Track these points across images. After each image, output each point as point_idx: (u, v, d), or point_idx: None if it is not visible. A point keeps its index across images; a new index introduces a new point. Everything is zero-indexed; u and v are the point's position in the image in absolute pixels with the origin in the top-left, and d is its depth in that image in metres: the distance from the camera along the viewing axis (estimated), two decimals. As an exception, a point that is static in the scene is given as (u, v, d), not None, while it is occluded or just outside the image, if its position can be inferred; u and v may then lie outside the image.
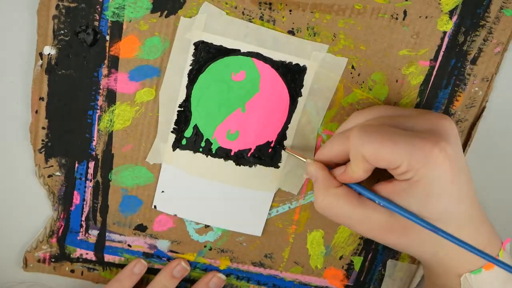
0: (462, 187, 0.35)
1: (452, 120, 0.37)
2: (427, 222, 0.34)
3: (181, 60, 0.40)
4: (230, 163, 0.44)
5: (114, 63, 0.40)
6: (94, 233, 0.47)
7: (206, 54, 0.40)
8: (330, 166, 0.39)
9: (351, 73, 0.41)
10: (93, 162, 0.44)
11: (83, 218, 0.46)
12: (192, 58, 0.40)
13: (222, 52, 0.40)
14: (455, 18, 0.39)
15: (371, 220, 0.36)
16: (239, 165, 0.44)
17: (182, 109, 0.42)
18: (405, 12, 0.39)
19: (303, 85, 0.41)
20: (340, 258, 0.49)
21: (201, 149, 0.43)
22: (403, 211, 0.35)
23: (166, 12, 0.39)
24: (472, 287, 0.37)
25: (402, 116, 0.37)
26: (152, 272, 0.49)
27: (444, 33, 0.40)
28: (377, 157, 0.34)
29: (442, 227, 0.35)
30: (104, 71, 0.40)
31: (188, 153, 0.43)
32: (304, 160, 0.40)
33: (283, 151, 0.43)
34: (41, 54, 0.39)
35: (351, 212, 0.36)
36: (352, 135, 0.35)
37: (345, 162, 0.37)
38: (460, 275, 0.37)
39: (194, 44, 0.40)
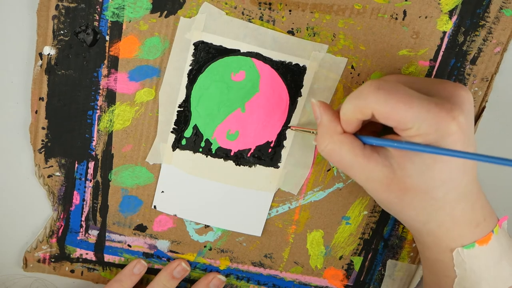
0: (467, 161, 0.34)
1: (468, 90, 0.35)
2: (440, 148, 0.33)
3: (181, 60, 0.40)
4: (230, 163, 0.44)
5: (114, 63, 0.40)
6: (94, 233, 0.47)
7: (206, 54, 0.40)
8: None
9: (351, 73, 0.41)
10: (93, 162, 0.44)
11: (83, 218, 0.46)
12: (192, 58, 0.40)
13: (222, 52, 0.40)
14: (454, 18, 0.39)
15: (372, 173, 0.35)
16: (239, 165, 0.44)
17: (182, 109, 0.42)
18: (404, 12, 0.39)
19: (302, 85, 0.41)
20: (340, 258, 0.49)
21: (201, 149, 0.43)
22: (421, 146, 0.33)
23: (165, 12, 0.39)
24: (464, 262, 0.37)
25: (418, 81, 0.36)
26: (152, 272, 0.49)
27: (444, 33, 0.40)
28: (388, 116, 0.32)
29: (441, 196, 0.34)
30: (104, 71, 0.40)
31: (188, 153, 0.43)
32: (312, 131, 0.39)
33: (288, 130, 0.42)
34: (41, 54, 0.39)
35: (353, 162, 0.35)
36: (366, 88, 0.33)
37: (361, 122, 0.36)
38: (452, 249, 0.37)
39: (194, 44, 0.40)
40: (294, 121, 0.42)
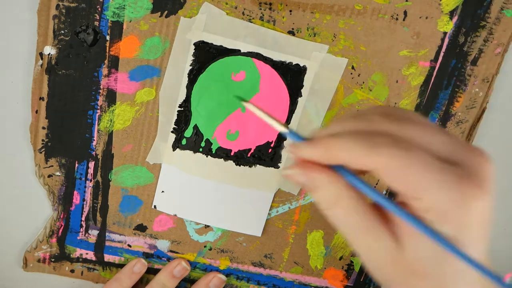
0: (484, 245, 0.28)
1: (493, 163, 0.28)
2: (457, 250, 0.26)
3: (181, 60, 0.40)
4: (230, 163, 0.44)
5: (114, 63, 0.40)
6: (94, 233, 0.47)
7: (206, 54, 0.40)
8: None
9: (351, 73, 0.41)
10: (93, 162, 0.44)
11: (83, 218, 0.46)
12: (192, 58, 0.40)
13: (222, 52, 0.40)
14: (455, 18, 0.39)
15: (375, 244, 0.28)
16: (239, 165, 0.44)
17: (182, 109, 0.42)
18: (405, 13, 0.39)
19: (303, 86, 0.41)
20: (340, 258, 0.48)
21: (201, 149, 0.43)
22: (445, 243, 0.26)
23: (166, 12, 0.39)
24: None
25: (441, 136, 0.28)
26: (152, 272, 0.49)
27: (445, 33, 0.39)
28: (400, 176, 0.26)
29: (452, 283, 0.28)
30: (104, 71, 0.40)
31: (188, 153, 0.43)
32: (283, 129, 0.31)
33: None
34: (41, 54, 0.39)
35: (359, 226, 0.28)
36: (380, 137, 0.26)
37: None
38: None
39: (194, 44, 0.40)
40: (294, 121, 0.42)
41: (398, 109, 0.30)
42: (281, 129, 0.30)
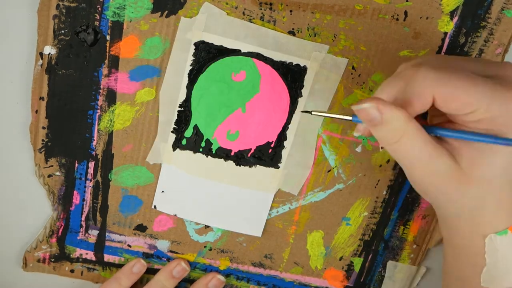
0: None
1: None
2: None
3: (181, 60, 0.40)
4: (230, 163, 0.44)
5: (115, 63, 0.40)
6: (94, 233, 0.47)
7: (207, 54, 0.40)
8: None
9: (352, 73, 0.41)
10: (93, 162, 0.44)
11: (83, 218, 0.46)
12: (193, 58, 0.40)
13: (223, 52, 0.40)
14: (456, 19, 0.39)
15: (435, 167, 0.32)
16: (239, 166, 0.44)
17: (183, 109, 0.42)
18: (405, 13, 0.39)
19: (303, 86, 0.41)
20: (340, 259, 0.48)
21: (201, 149, 0.43)
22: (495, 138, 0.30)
23: (166, 12, 0.39)
24: (497, 250, 0.34)
25: (472, 62, 0.32)
26: (152, 272, 0.49)
27: (445, 34, 0.39)
28: (452, 98, 0.29)
29: (499, 183, 0.32)
30: (105, 71, 0.40)
31: (188, 153, 0.43)
32: (347, 118, 0.35)
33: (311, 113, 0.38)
34: (41, 54, 0.39)
35: (421, 156, 0.32)
36: (423, 74, 0.30)
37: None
38: (485, 235, 0.34)
39: (195, 44, 0.39)
40: (294, 121, 0.42)
41: (419, 57, 0.34)
42: (348, 118, 0.35)
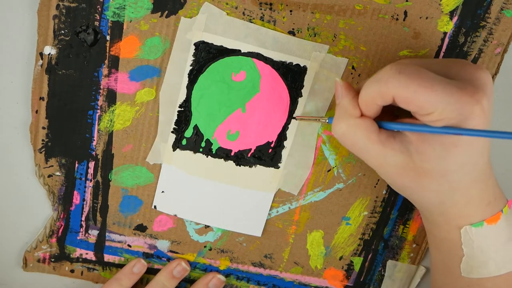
0: (486, 141, 0.34)
1: (489, 72, 0.35)
2: (471, 130, 0.32)
3: (181, 60, 0.40)
4: (230, 163, 0.44)
5: (115, 63, 0.40)
6: (94, 233, 0.47)
7: (207, 54, 0.40)
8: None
9: (352, 73, 0.41)
10: (93, 162, 0.44)
11: (83, 218, 0.46)
12: (193, 58, 0.40)
13: (223, 52, 0.40)
14: (455, 18, 0.39)
15: (386, 159, 0.35)
16: (239, 166, 0.44)
17: (183, 109, 0.42)
18: (405, 13, 0.39)
19: (303, 86, 0.41)
20: (340, 258, 0.49)
21: (201, 149, 0.43)
22: (443, 129, 0.32)
23: (166, 12, 0.39)
24: (472, 241, 0.36)
25: (437, 64, 0.35)
26: (152, 272, 0.49)
27: (445, 33, 0.40)
28: (410, 100, 0.32)
29: (457, 178, 0.34)
30: (105, 71, 0.40)
31: (188, 153, 0.43)
32: (318, 119, 0.39)
33: (294, 120, 0.42)
34: (41, 54, 0.39)
35: (368, 147, 0.35)
36: (386, 73, 0.32)
37: (380, 106, 0.35)
38: (461, 227, 0.37)
39: (195, 44, 0.39)
40: (294, 121, 0.42)
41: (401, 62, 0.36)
42: (324, 120, 0.39)
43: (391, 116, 0.37)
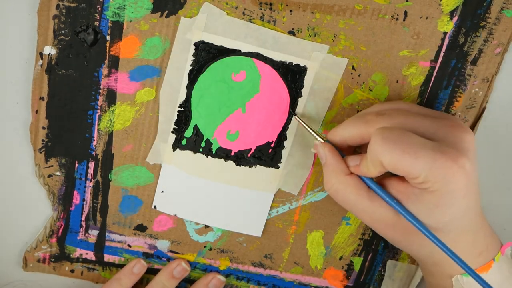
0: (471, 200, 0.36)
1: (471, 132, 0.37)
2: (428, 230, 0.35)
3: (181, 60, 0.40)
4: (230, 163, 0.44)
5: (115, 63, 0.40)
6: (94, 233, 0.47)
7: (207, 54, 0.40)
8: (341, 148, 0.39)
9: (352, 73, 0.41)
10: (93, 162, 0.44)
11: (83, 218, 0.46)
12: (193, 58, 0.40)
13: (223, 52, 0.40)
14: (455, 18, 0.39)
15: (376, 214, 0.37)
16: (239, 166, 0.44)
17: (183, 109, 0.42)
18: (405, 13, 0.39)
19: (303, 86, 0.41)
20: (340, 258, 0.49)
21: (201, 149, 0.43)
22: (410, 216, 0.35)
23: (166, 12, 0.39)
24: None
25: (424, 119, 0.36)
26: (152, 272, 0.49)
27: (445, 33, 0.40)
28: (396, 167, 0.34)
29: (442, 235, 0.36)
30: (105, 71, 0.40)
31: (188, 153, 0.43)
32: (314, 134, 0.39)
33: (294, 117, 0.42)
34: (41, 54, 0.39)
35: (358, 203, 0.37)
36: (373, 140, 0.34)
37: (358, 145, 0.38)
38: (453, 276, 0.38)
39: (195, 44, 0.39)
40: (294, 121, 0.42)
41: (387, 103, 0.39)
42: (321, 140, 0.39)
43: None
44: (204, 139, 0.43)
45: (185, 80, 0.41)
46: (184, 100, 0.41)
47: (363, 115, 0.37)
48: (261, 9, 0.38)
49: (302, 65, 0.40)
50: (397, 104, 0.39)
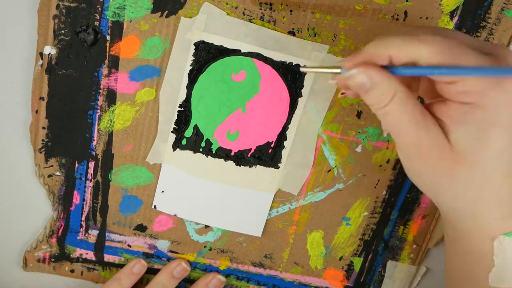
0: None
1: None
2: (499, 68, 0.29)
3: (181, 60, 0.40)
4: (230, 163, 0.44)
5: (115, 63, 0.40)
6: (94, 233, 0.47)
7: (207, 54, 0.40)
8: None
9: (352, 73, 0.41)
10: (93, 162, 0.44)
11: (83, 218, 0.46)
12: (193, 58, 0.40)
13: (223, 52, 0.40)
14: (455, 19, 0.39)
15: (421, 138, 0.31)
16: (239, 166, 0.44)
17: (183, 109, 0.42)
18: (405, 13, 0.39)
19: (303, 86, 0.41)
20: (340, 259, 0.48)
21: (201, 149, 0.43)
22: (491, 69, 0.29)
23: (166, 12, 0.39)
24: (505, 251, 0.33)
25: (467, 37, 0.31)
26: (152, 272, 0.49)
27: (445, 34, 0.39)
28: (441, 56, 0.29)
29: (493, 170, 0.31)
30: (105, 71, 0.40)
31: (188, 153, 0.43)
32: (336, 70, 0.33)
33: (300, 68, 0.40)
34: (41, 54, 0.39)
35: (410, 123, 0.31)
36: (428, 48, 0.29)
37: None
38: (493, 237, 0.33)
39: (195, 44, 0.39)
40: (294, 121, 0.42)
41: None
42: (336, 71, 0.33)
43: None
44: (204, 139, 0.43)
45: (185, 80, 0.41)
46: (184, 100, 0.41)
47: (414, 31, 0.31)
48: (261, 9, 0.38)
49: (302, 65, 0.40)
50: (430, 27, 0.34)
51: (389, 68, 0.31)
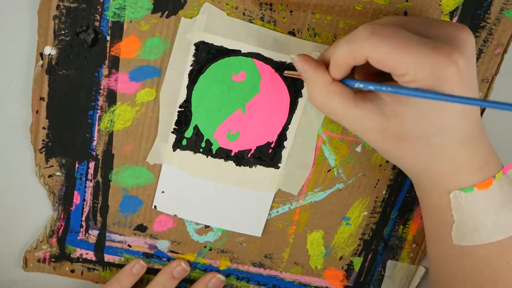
0: None
1: (470, 31, 0.33)
2: (434, 92, 0.31)
3: (181, 61, 0.40)
4: (231, 163, 0.44)
5: (115, 63, 0.40)
6: (94, 233, 0.47)
7: (207, 55, 0.40)
8: None
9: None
10: (93, 162, 0.44)
11: (83, 218, 0.46)
12: (193, 58, 0.40)
13: (223, 52, 0.40)
14: (455, 19, 0.39)
15: (364, 123, 0.34)
16: (239, 166, 0.44)
17: (183, 109, 0.42)
18: (405, 13, 0.39)
19: (303, 86, 0.41)
20: (340, 258, 0.49)
21: (201, 150, 0.43)
22: (411, 91, 0.31)
23: (166, 12, 0.39)
24: (462, 207, 0.35)
25: (416, 22, 0.33)
26: (152, 272, 0.49)
27: (445, 34, 0.40)
28: (382, 62, 0.31)
29: (439, 142, 0.33)
30: (105, 71, 0.40)
31: (188, 153, 0.43)
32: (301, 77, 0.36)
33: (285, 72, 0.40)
34: (41, 54, 0.39)
35: (345, 112, 0.34)
36: (359, 33, 0.31)
37: (350, 67, 0.34)
38: (450, 192, 0.35)
39: (195, 44, 0.40)
40: (294, 121, 0.42)
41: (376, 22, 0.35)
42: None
43: (370, 74, 0.36)
44: (204, 139, 0.43)
45: (185, 81, 0.41)
46: (184, 100, 0.41)
47: (350, 36, 0.33)
48: (261, 10, 0.38)
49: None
50: (388, 18, 0.36)
51: (346, 81, 0.34)
